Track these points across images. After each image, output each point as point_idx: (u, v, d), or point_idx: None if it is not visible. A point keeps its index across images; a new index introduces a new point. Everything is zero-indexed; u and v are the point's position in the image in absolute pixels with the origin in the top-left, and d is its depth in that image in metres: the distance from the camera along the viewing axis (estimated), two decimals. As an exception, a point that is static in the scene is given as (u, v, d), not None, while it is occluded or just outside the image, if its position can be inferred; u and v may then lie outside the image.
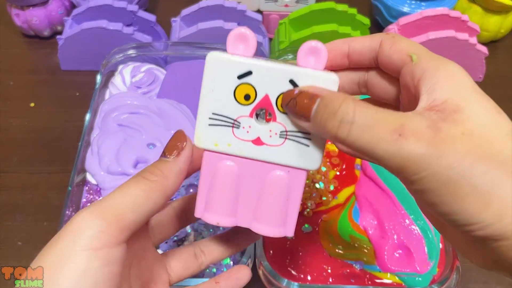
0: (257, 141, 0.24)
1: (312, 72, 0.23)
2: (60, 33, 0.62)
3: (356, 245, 0.39)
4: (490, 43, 0.62)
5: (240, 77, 0.23)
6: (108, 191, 0.42)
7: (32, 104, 0.55)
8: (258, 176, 0.24)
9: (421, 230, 0.39)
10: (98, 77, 0.51)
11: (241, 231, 0.28)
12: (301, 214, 0.41)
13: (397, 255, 0.39)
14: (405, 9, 0.58)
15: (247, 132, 0.23)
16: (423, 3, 0.58)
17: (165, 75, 0.53)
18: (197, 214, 0.25)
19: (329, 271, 0.38)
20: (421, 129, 0.19)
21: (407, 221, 0.40)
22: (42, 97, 0.56)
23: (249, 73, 0.23)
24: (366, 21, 0.55)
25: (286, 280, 0.36)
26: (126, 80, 0.51)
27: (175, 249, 0.29)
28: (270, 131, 0.23)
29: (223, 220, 0.25)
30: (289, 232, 0.25)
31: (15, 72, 0.59)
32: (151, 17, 0.57)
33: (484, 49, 0.54)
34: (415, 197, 0.21)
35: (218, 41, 0.54)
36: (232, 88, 0.23)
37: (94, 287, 0.19)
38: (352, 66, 0.25)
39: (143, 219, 0.21)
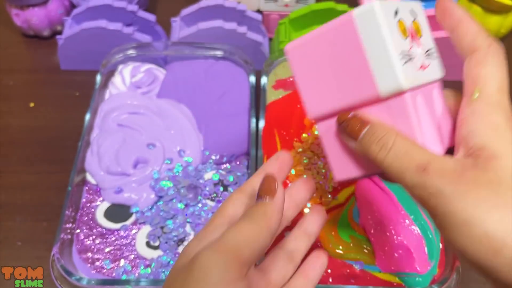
0: (423, 66, 0.24)
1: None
2: (60, 33, 0.62)
3: (356, 245, 0.39)
4: (490, 43, 0.62)
5: (395, 14, 0.24)
6: (108, 191, 0.42)
7: (31, 104, 0.55)
8: (430, 97, 0.25)
9: (421, 230, 0.39)
10: (98, 77, 0.51)
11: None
12: (300, 214, 0.41)
13: (397, 255, 0.39)
14: (405, 9, 0.58)
15: (416, 60, 0.24)
16: (422, 3, 0.58)
17: (165, 75, 0.53)
18: None
19: (329, 271, 0.38)
20: (447, 170, 0.20)
21: (407, 221, 0.40)
22: (42, 97, 0.56)
23: (396, 11, 0.24)
24: (366, 21, 0.55)
25: (286, 280, 0.36)
26: (126, 80, 0.51)
27: (266, 259, 0.29)
28: (423, 53, 0.24)
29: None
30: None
31: (14, 72, 0.59)
32: (151, 17, 0.57)
33: (484, 49, 0.54)
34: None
35: (218, 41, 0.54)
36: (396, 26, 0.23)
37: None
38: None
39: (256, 257, 0.23)
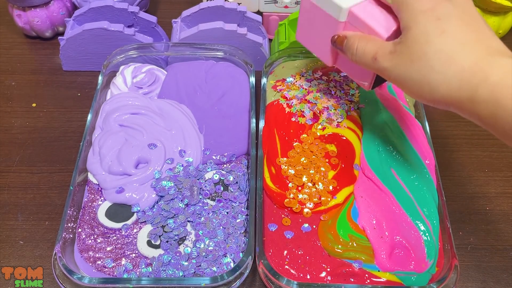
0: None
1: None
2: (61, 34, 0.62)
3: (355, 244, 0.39)
4: (489, 44, 0.62)
5: None
6: (109, 190, 0.43)
7: (34, 105, 0.55)
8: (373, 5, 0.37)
9: (419, 230, 0.39)
10: (100, 78, 0.51)
11: None
12: (300, 214, 0.41)
13: (396, 254, 0.39)
14: (405, 10, 0.58)
15: None
16: None
17: (165, 76, 0.53)
18: None
19: (328, 269, 0.38)
20: (386, 53, 0.33)
21: (406, 220, 0.40)
22: (44, 97, 0.56)
23: None
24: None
25: (285, 278, 0.36)
26: (127, 81, 0.52)
27: None
28: None
29: None
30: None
31: (17, 72, 0.59)
32: (152, 18, 0.58)
33: (483, 50, 0.54)
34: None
35: (218, 42, 0.55)
36: None
37: None
38: None
39: None
